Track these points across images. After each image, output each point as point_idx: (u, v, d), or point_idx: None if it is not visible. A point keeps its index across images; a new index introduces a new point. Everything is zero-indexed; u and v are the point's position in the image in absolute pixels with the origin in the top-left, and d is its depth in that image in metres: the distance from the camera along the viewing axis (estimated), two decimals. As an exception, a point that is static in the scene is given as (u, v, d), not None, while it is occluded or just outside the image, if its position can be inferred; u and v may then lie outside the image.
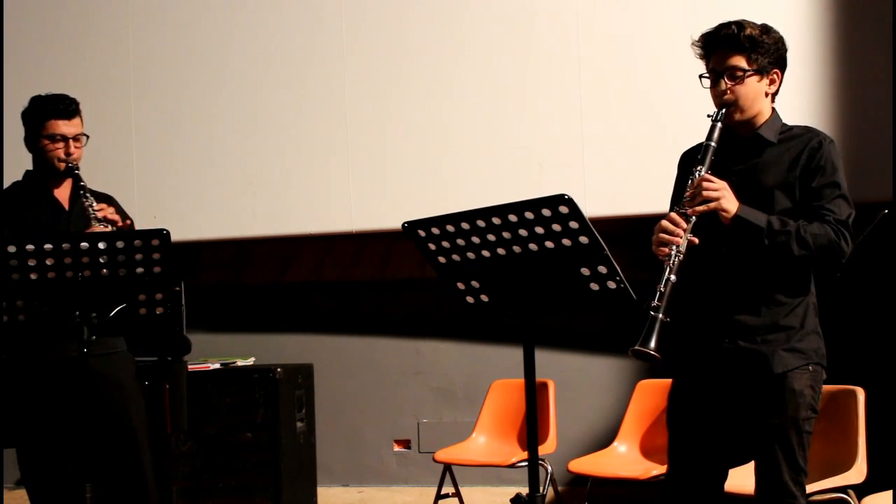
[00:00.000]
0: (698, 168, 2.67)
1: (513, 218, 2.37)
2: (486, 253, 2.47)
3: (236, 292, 5.40)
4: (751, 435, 2.70)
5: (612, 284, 2.37)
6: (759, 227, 2.61)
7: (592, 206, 4.21)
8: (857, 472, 3.39)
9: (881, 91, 4.30)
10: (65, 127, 3.39)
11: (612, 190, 4.60)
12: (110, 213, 3.34)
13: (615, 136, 4.66)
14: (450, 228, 2.47)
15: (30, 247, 2.90)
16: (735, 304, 2.71)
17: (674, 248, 2.58)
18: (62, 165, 3.39)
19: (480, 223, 2.42)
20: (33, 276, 2.93)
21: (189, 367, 4.39)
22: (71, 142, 3.40)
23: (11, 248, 2.89)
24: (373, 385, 5.29)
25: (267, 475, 4.70)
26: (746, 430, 2.72)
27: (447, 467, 4.38)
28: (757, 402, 2.68)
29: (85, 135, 3.45)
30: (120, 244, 2.94)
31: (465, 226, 2.44)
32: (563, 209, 2.30)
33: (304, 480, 4.93)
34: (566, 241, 2.35)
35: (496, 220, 2.39)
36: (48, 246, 2.91)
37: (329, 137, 5.05)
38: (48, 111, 3.40)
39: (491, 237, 2.43)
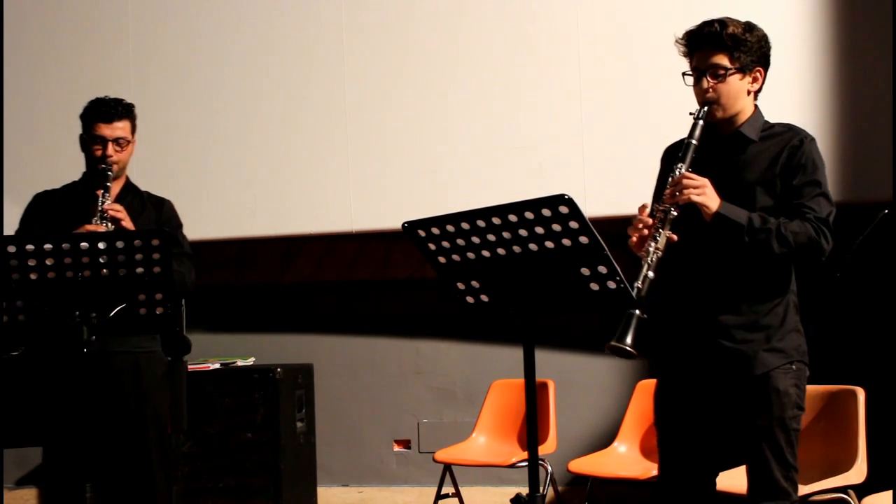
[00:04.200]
0: (679, 165, 2.68)
1: (513, 218, 2.36)
2: (486, 253, 2.46)
3: (236, 292, 5.40)
4: (739, 436, 2.71)
5: (612, 284, 2.37)
6: (740, 224, 2.61)
7: (592, 206, 4.20)
8: (857, 472, 3.39)
9: (881, 91, 4.30)
10: (105, 129, 3.46)
11: (612, 190, 4.60)
12: (116, 210, 3.35)
13: (615, 136, 4.66)
14: (450, 228, 2.47)
15: (30, 247, 2.90)
16: (715, 302, 2.71)
17: (651, 244, 2.58)
18: (99, 166, 3.44)
19: (480, 223, 2.42)
20: (33, 276, 2.92)
21: (189, 367, 4.37)
22: (110, 144, 3.46)
23: (11, 248, 2.89)
24: (373, 385, 5.29)
25: (267, 475, 4.70)
26: (734, 432, 2.72)
27: (447, 467, 4.38)
28: (742, 403, 2.69)
29: (126, 139, 3.50)
30: (120, 244, 2.95)
31: (465, 226, 2.44)
32: (563, 209, 2.30)
33: (304, 480, 4.93)
34: (566, 241, 2.34)
35: (496, 220, 2.39)
36: (48, 246, 2.91)
37: (329, 137, 5.05)
38: (91, 113, 3.50)
39: (491, 237, 2.43)
